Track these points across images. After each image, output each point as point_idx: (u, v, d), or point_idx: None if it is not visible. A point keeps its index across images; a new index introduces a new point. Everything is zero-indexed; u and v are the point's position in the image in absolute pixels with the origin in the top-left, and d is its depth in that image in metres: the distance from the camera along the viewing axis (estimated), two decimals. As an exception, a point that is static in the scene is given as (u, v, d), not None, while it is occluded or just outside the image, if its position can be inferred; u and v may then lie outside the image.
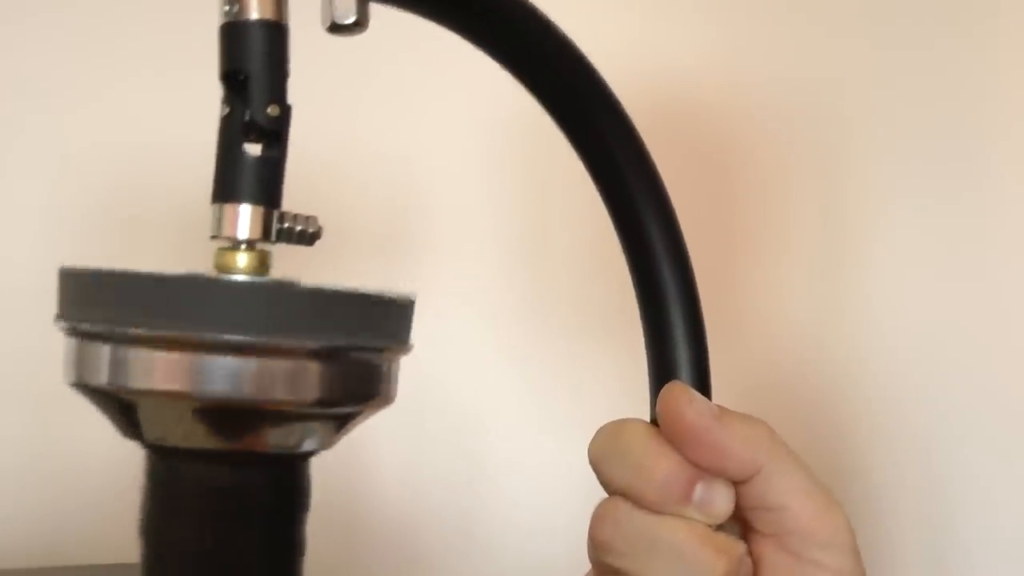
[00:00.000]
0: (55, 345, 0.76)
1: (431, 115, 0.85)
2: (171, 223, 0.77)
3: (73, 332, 0.35)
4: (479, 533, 0.85)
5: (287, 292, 0.33)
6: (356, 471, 0.80)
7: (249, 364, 0.33)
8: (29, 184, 0.78)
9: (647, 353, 0.41)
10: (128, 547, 0.77)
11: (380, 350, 0.36)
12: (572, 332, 0.87)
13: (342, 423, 0.36)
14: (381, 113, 0.83)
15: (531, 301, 0.88)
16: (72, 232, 0.77)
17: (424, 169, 0.86)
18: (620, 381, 0.81)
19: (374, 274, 0.82)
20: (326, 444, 0.36)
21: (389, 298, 0.36)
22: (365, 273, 0.82)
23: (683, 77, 0.89)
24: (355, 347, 0.35)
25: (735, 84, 0.90)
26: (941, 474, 0.89)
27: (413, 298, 0.37)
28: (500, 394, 0.86)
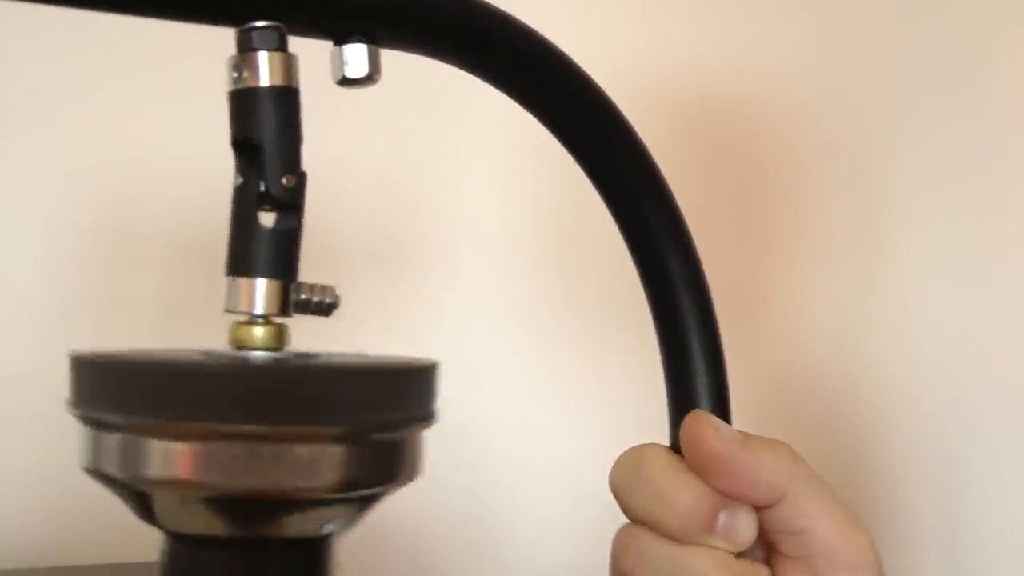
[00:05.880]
0: (52, 350, 0.75)
1: (457, 115, 0.83)
2: (170, 242, 0.76)
3: (86, 420, 0.34)
4: (487, 541, 0.85)
5: (301, 375, 0.32)
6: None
7: (266, 451, 0.31)
8: (30, 199, 0.76)
9: (666, 381, 0.41)
10: (128, 547, 0.77)
11: (404, 426, 0.35)
12: (598, 334, 0.86)
13: (365, 504, 0.35)
14: (403, 113, 0.81)
15: (545, 302, 0.86)
16: (73, 246, 0.76)
17: (444, 170, 0.84)
18: (639, 384, 0.81)
19: (389, 279, 0.80)
20: (349, 525, 0.35)
21: (411, 368, 0.35)
22: (383, 279, 0.81)
23: (719, 74, 0.87)
24: (378, 426, 0.33)
25: (772, 81, 0.89)
26: (963, 478, 0.90)
27: (436, 364, 0.36)
28: (509, 400, 0.85)
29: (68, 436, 0.75)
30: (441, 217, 0.84)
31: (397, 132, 0.81)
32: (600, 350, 0.86)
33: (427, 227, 0.84)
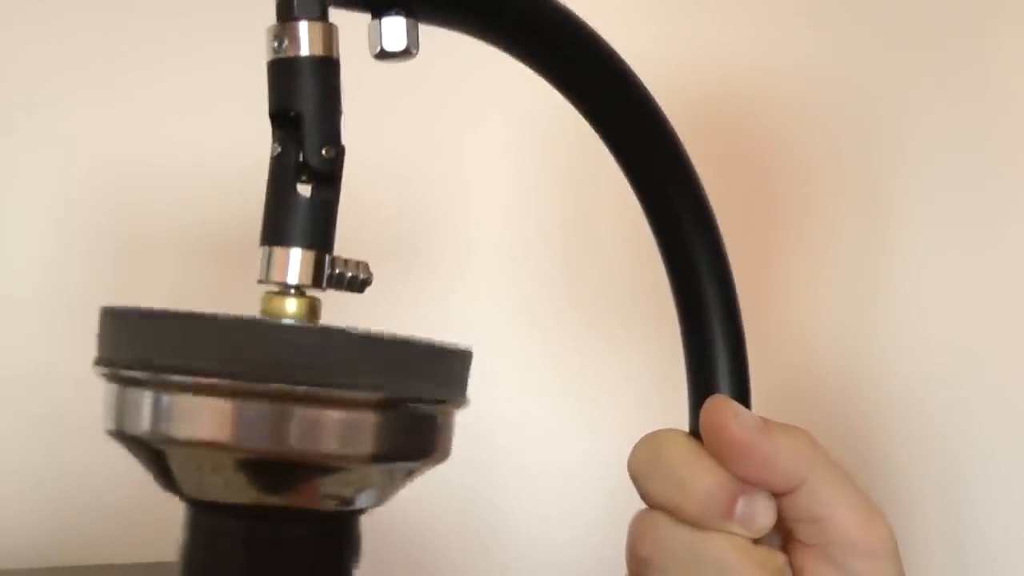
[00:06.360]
0: (56, 353, 0.75)
1: (463, 111, 0.83)
2: (179, 241, 0.76)
3: (113, 377, 0.33)
4: (491, 539, 0.85)
5: (343, 338, 0.31)
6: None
7: (300, 414, 0.31)
8: (38, 199, 0.76)
9: (687, 367, 0.41)
10: (128, 547, 0.76)
11: (439, 402, 0.34)
12: (600, 333, 0.86)
13: (396, 480, 0.34)
14: (412, 109, 0.81)
15: (549, 301, 0.86)
16: (82, 246, 0.76)
17: (452, 164, 0.84)
18: (641, 383, 0.81)
19: (395, 277, 0.80)
20: (378, 501, 0.34)
21: (450, 349, 0.34)
22: (388, 276, 0.81)
23: (724, 74, 0.88)
24: (414, 398, 0.33)
25: (778, 82, 0.89)
26: (966, 477, 0.90)
27: (471, 349, 0.35)
28: (514, 398, 0.85)
29: (68, 436, 0.75)
30: (447, 215, 0.84)
31: (404, 125, 0.82)
32: (602, 348, 0.86)
33: (433, 226, 0.84)
